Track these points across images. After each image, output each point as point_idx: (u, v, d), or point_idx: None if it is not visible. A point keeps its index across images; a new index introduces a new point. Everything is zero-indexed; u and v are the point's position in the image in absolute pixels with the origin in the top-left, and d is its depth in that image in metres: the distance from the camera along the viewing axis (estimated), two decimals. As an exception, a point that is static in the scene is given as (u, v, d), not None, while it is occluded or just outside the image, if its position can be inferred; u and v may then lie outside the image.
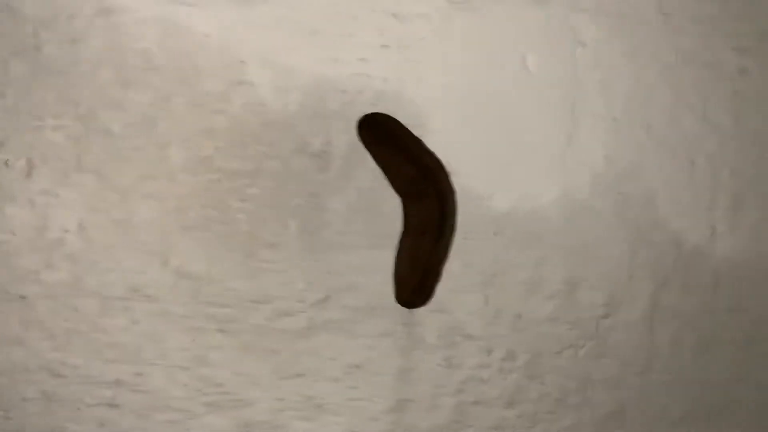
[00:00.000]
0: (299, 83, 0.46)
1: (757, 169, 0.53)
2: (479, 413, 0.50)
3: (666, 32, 0.51)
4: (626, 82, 0.51)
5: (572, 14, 0.50)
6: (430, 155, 0.46)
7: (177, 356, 0.46)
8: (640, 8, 0.51)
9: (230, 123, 0.46)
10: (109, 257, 0.45)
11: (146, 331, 0.46)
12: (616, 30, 0.51)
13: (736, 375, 0.53)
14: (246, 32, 0.46)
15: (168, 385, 0.46)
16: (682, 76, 0.52)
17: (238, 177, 0.46)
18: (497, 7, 0.49)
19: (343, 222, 0.47)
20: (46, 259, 0.44)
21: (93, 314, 0.45)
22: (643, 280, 0.51)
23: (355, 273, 0.48)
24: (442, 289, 0.47)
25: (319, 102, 0.47)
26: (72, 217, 0.44)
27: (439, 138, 0.48)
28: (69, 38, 0.44)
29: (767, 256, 0.53)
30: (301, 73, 0.46)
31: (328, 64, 0.47)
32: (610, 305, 0.51)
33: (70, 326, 0.45)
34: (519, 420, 0.51)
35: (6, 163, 0.44)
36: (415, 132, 0.47)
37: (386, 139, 0.46)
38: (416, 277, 0.45)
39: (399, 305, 0.47)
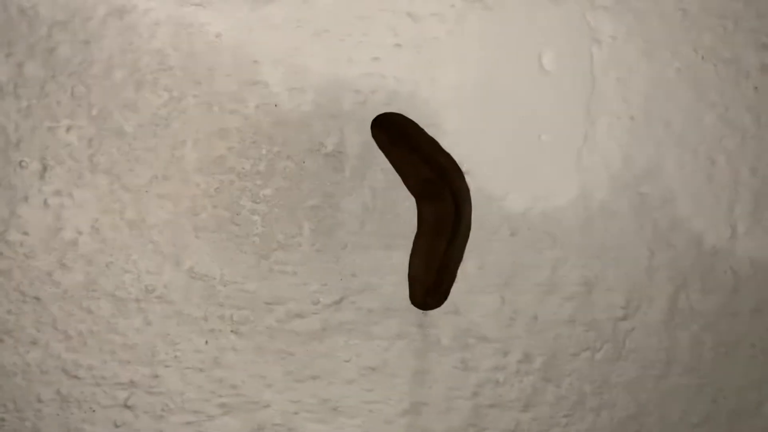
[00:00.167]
0: (312, 83, 0.46)
1: (779, 168, 0.52)
2: (495, 416, 0.50)
3: (685, 29, 0.51)
4: (644, 80, 0.50)
5: (588, 11, 0.50)
6: (445, 155, 0.46)
7: (191, 358, 0.46)
8: (658, 4, 0.50)
9: (243, 123, 0.46)
10: (123, 258, 0.45)
11: (160, 333, 0.46)
12: (633, 27, 0.50)
13: (757, 378, 0.53)
14: (259, 32, 0.46)
15: (182, 387, 0.46)
16: (701, 73, 0.51)
17: (252, 177, 0.46)
18: (512, 5, 0.49)
19: (358, 223, 0.47)
20: (60, 260, 0.45)
21: (107, 315, 0.45)
22: (662, 282, 0.51)
23: (370, 274, 0.47)
24: (457, 290, 0.47)
25: (332, 102, 0.46)
26: (86, 217, 0.45)
27: (453, 138, 0.47)
28: (83, 39, 0.44)
29: (790, 257, 0.52)
30: (315, 73, 0.46)
31: (341, 64, 0.46)
32: (629, 307, 0.51)
33: (84, 327, 0.45)
34: (535, 423, 0.50)
35: (20, 163, 0.44)
36: (430, 132, 0.47)
37: (400, 139, 0.45)
38: (431, 278, 0.45)
39: (414, 306, 0.47)
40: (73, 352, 0.45)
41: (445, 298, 0.46)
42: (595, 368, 0.51)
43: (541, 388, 0.50)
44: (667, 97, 0.51)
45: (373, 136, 0.46)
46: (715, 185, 0.51)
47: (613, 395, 0.51)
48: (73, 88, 0.44)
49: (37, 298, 0.45)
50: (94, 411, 0.45)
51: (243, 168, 0.46)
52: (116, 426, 0.46)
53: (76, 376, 0.45)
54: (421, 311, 0.48)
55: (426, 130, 0.46)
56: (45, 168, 0.44)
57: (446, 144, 0.46)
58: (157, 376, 0.46)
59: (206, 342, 0.46)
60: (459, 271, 0.47)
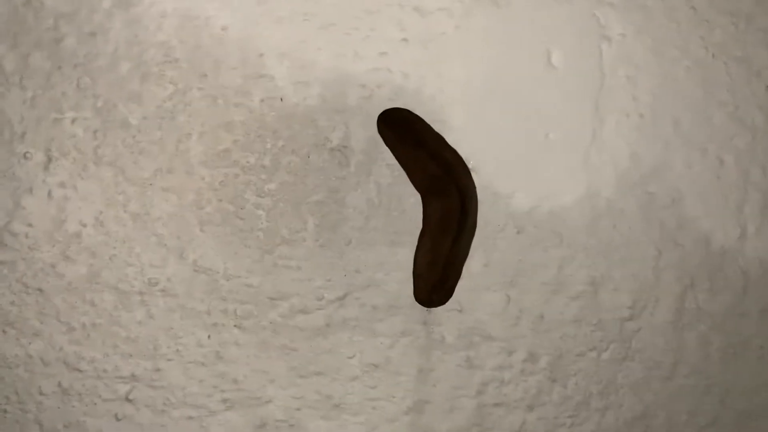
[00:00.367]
0: (318, 77, 0.46)
1: (790, 168, 0.52)
2: (499, 416, 0.49)
3: (695, 26, 0.51)
4: (653, 78, 0.50)
5: (597, 8, 0.49)
6: (451, 151, 0.45)
7: (194, 352, 0.46)
8: (667, 1, 0.50)
9: (248, 117, 0.46)
10: (127, 251, 0.45)
11: (163, 326, 0.46)
12: (642, 24, 0.50)
13: (766, 380, 0.52)
14: (265, 25, 0.45)
15: (184, 381, 0.46)
16: (711, 71, 0.51)
17: (256, 171, 0.46)
18: (520, 2, 0.48)
19: (362, 218, 0.47)
20: (64, 252, 0.44)
21: (110, 308, 0.45)
22: (670, 282, 0.51)
23: (374, 270, 0.47)
24: (462, 288, 0.47)
25: (338, 96, 0.46)
26: (90, 210, 0.44)
27: (460, 134, 0.47)
28: (88, 31, 0.44)
29: (800, 258, 0.51)
30: (321, 67, 0.46)
31: (347, 59, 0.46)
32: (635, 307, 0.50)
33: (87, 320, 0.45)
34: (540, 423, 0.50)
35: (25, 155, 0.44)
36: (436, 128, 0.46)
37: (406, 134, 0.45)
38: (436, 276, 0.45)
39: (418, 304, 0.46)
40: (76, 345, 0.45)
41: (450, 295, 0.46)
42: (601, 368, 0.50)
43: (546, 388, 0.50)
44: (676, 95, 0.50)
45: (379, 131, 0.46)
46: (724, 185, 0.51)
47: (619, 396, 0.51)
48: (79, 79, 0.44)
49: (41, 290, 0.44)
50: (95, 404, 0.45)
51: (248, 162, 0.46)
52: (117, 419, 0.46)
53: (77, 369, 0.45)
54: (426, 309, 0.47)
55: (432, 125, 0.46)
56: (50, 159, 0.44)
57: (452, 140, 0.46)
58: (159, 370, 0.46)
59: (209, 336, 0.46)
60: (464, 269, 0.46)
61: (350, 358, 0.47)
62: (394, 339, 0.48)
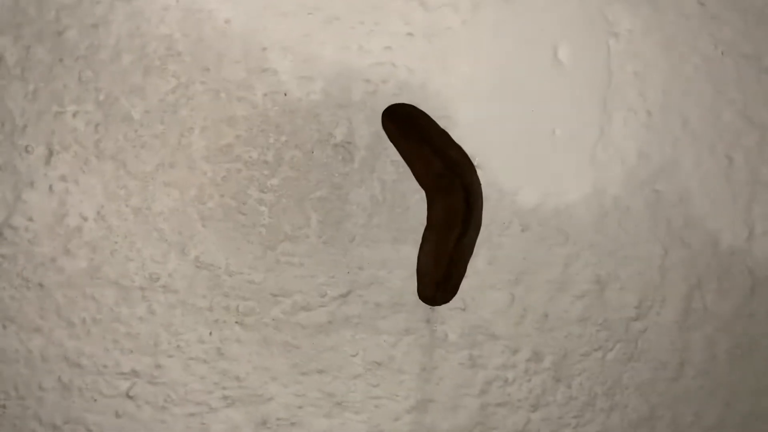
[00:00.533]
0: (322, 72, 0.46)
1: (800, 167, 0.51)
2: (503, 415, 0.49)
3: (704, 22, 0.50)
4: (662, 75, 0.50)
5: (606, 4, 0.49)
6: (456, 148, 0.45)
7: (195, 348, 0.46)
8: None
9: (252, 111, 0.45)
10: (128, 246, 0.45)
11: (164, 322, 0.45)
12: (651, 20, 0.49)
13: (773, 382, 0.52)
14: (268, 19, 0.45)
15: (185, 378, 0.46)
16: (720, 68, 0.50)
17: (259, 167, 0.46)
18: (528, -4, 0.48)
19: (366, 215, 0.47)
20: (65, 246, 0.44)
21: (111, 303, 0.45)
22: (677, 281, 0.50)
23: (378, 267, 0.47)
24: (466, 286, 0.46)
25: (342, 91, 0.46)
26: (91, 204, 0.44)
27: (465, 130, 0.47)
28: (91, 23, 0.44)
29: (809, 258, 0.51)
30: (324, 62, 0.46)
31: (351, 53, 0.46)
32: (642, 307, 0.50)
33: (87, 315, 0.45)
34: (544, 423, 0.50)
35: (26, 148, 0.44)
36: (441, 124, 0.46)
37: (411, 131, 0.45)
38: (440, 273, 0.45)
39: (422, 302, 0.46)
40: (76, 340, 0.45)
41: (454, 293, 0.46)
42: (606, 369, 0.50)
43: (550, 388, 0.49)
44: (684, 92, 0.50)
45: (384, 127, 0.45)
46: (732, 184, 0.51)
47: (625, 396, 0.50)
48: (81, 72, 0.44)
49: (41, 285, 0.44)
50: (95, 400, 0.45)
51: (250, 157, 0.45)
52: (118, 416, 0.45)
53: (78, 365, 0.45)
54: (430, 306, 0.47)
55: (437, 121, 0.46)
56: (51, 153, 0.44)
57: (458, 136, 0.46)
58: (159, 367, 0.46)
59: (210, 333, 0.46)
60: (468, 267, 0.46)
61: (353, 356, 0.47)
62: (397, 337, 0.47)
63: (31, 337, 0.44)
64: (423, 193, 0.46)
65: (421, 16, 0.47)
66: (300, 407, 0.47)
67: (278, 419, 0.47)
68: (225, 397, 0.46)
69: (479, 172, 0.46)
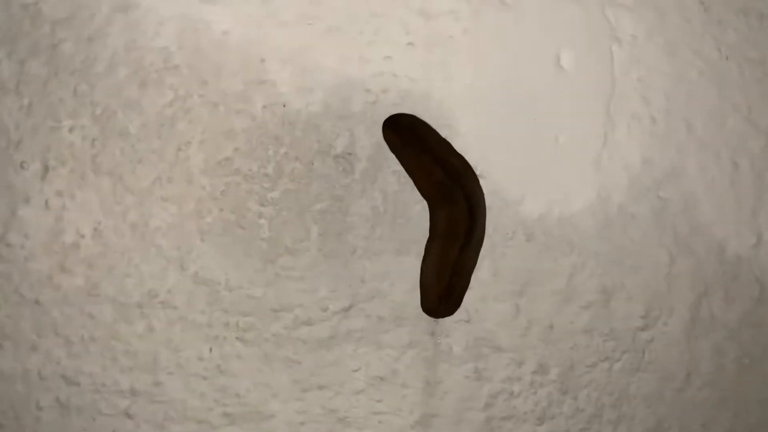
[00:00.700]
0: (322, 82, 0.45)
1: (808, 173, 0.51)
2: (509, 429, 0.49)
3: (708, 27, 0.50)
4: (665, 80, 0.49)
5: (608, 9, 0.48)
6: (458, 157, 0.45)
7: (195, 365, 0.45)
8: (679, 2, 0.49)
9: (250, 124, 0.45)
10: (126, 262, 0.44)
11: (163, 339, 0.45)
12: (654, 25, 0.49)
13: (782, 391, 0.51)
14: (266, 29, 0.45)
15: (185, 395, 0.45)
16: (725, 73, 0.50)
17: (259, 180, 0.45)
18: (529, 3, 0.47)
19: (368, 227, 0.46)
20: (61, 263, 0.44)
21: (109, 321, 0.44)
22: (683, 290, 0.50)
23: (380, 280, 0.46)
24: (470, 297, 0.46)
25: (342, 102, 0.45)
26: (88, 220, 0.44)
27: (467, 139, 0.46)
28: (86, 36, 0.43)
29: (818, 266, 0.51)
30: (324, 72, 0.45)
31: (351, 63, 0.45)
32: (648, 316, 0.50)
33: (85, 333, 0.44)
34: (550, 436, 0.49)
35: (21, 164, 0.43)
36: (443, 133, 0.46)
37: (412, 141, 0.44)
38: (443, 285, 0.44)
39: (425, 314, 0.46)
40: (74, 358, 0.44)
41: (458, 305, 0.45)
42: (613, 380, 0.50)
43: (557, 400, 0.49)
44: (689, 97, 0.50)
45: (385, 137, 0.45)
46: (738, 190, 0.50)
47: (632, 408, 0.50)
48: (76, 86, 0.43)
49: (38, 302, 0.44)
50: (94, 419, 0.45)
51: (250, 170, 0.45)
52: (117, 435, 0.45)
53: (76, 383, 0.44)
54: (433, 319, 0.47)
55: (439, 131, 0.45)
56: (46, 169, 0.43)
57: (460, 145, 0.45)
58: (159, 384, 0.45)
59: (210, 349, 0.45)
60: (472, 278, 0.46)
61: (355, 370, 0.47)
62: (401, 351, 0.47)
63: (27, 356, 0.44)
64: (425, 204, 0.45)
65: (422, 25, 0.46)
66: (302, 424, 0.46)
67: (280, 435, 0.46)
68: (226, 415, 0.46)
69: (482, 182, 0.45)
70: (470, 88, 0.47)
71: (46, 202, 0.43)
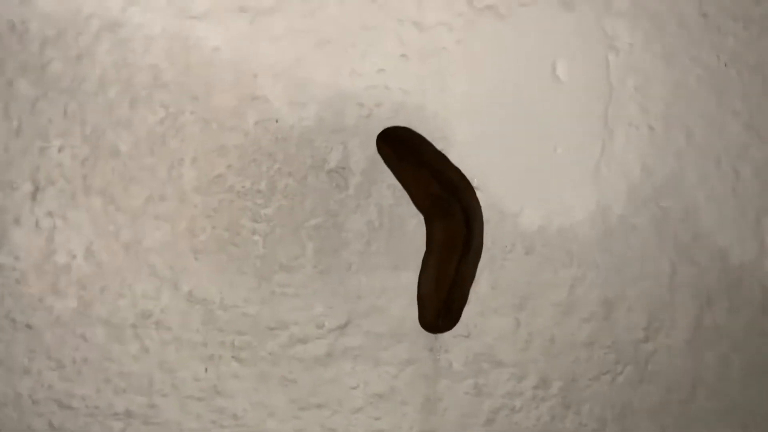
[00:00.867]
0: (315, 97, 0.45)
1: (810, 179, 0.50)
2: (511, 445, 0.48)
3: (706, 33, 0.49)
4: (664, 88, 0.49)
5: (604, 17, 0.48)
6: (454, 170, 0.44)
7: (190, 386, 0.45)
8: (676, 9, 0.49)
9: (243, 140, 0.44)
10: (119, 282, 0.44)
11: (158, 360, 0.44)
12: (651, 33, 0.49)
13: (789, 402, 0.51)
14: (258, 45, 0.44)
15: (181, 417, 0.45)
16: (724, 80, 0.50)
17: (252, 196, 0.45)
18: (523, 13, 0.47)
19: (363, 242, 0.46)
20: (53, 285, 0.43)
21: (102, 342, 0.44)
22: (686, 300, 0.50)
23: (377, 296, 0.46)
24: (469, 312, 0.45)
25: (335, 116, 0.45)
26: (79, 240, 0.43)
27: (463, 152, 0.46)
28: (75, 55, 0.43)
29: (823, 274, 0.50)
30: (317, 86, 0.45)
31: (344, 76, 0.45)
32: (651, 327, 0.49)
33: (78, 355, 0.44)
34: (554, 451, 0.49)
35: (11, 184, 0.43)
36: (438, 145, 0.45)
37: (407, 154, 0.44)
38: (442, 300, 0.43)
39: (424, 330, 0.45)
40: (67, 381, 0.44)
41: (457, 320, 0.45)
42: (616, 393, 0.49)
43: (559, 415, 0.49)
44: (688, 105, 0.49)
45: (379, 151, 0.44)
46: (740, 197, 0.50)
47: (636, 421, 0.49)
48: (66, 105, 0.43)
49: (29, 326, 0.43)
50: (88, 443, 0.44)
51: (243, 186, 0.44)
52: (111, 459, 0.44)
53: (69, 407, 0.44)
54: (432, 335, 0.46)
55: (435, 143, 0.45)
56: (37, 189, 0.43)
57: (456, 158, 0.45)
58: (154, 406, 0.45)
59: (206, 369, 0.45)
60: (471, 292, 0.45)
61: (353, 388, 0.46)
62: (399, 367, 0.47)
63: (19, 380, 0.43)
64: (421, 218, 0.45)
65: (415, 37, 0.46)
66: (300, 443, 0.46)
67: (279, 454, 0.46)
68: (222, 436, 0.45)
69: (479, 194, 0.45)
70: (465, 100, 0.46)
71: (37, 222, 0.43)
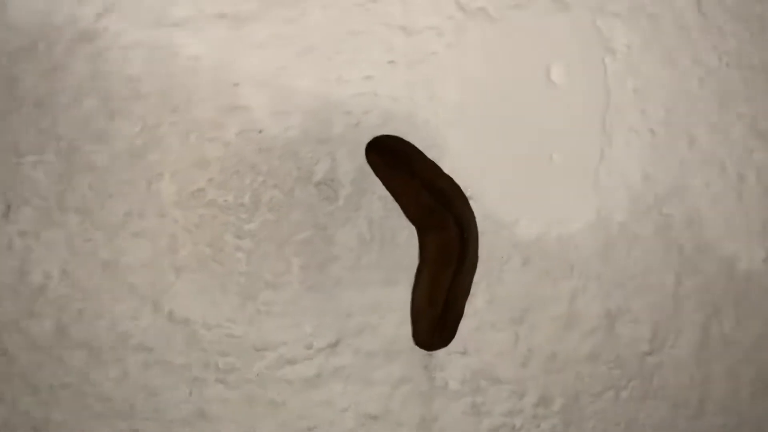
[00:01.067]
0: (299, 105, 0.44)
1: (818, 184, 0.50)
2: (511, 466, 0.47)
3: (707, 34, 0.49)
4: (664, 91, 0.48)
5: (600, 19, 0.47)
6: (447, 180, 0.43)
7: (174, 410, 0.44)
8: (675, 9, 0.48)
9: (224, 152, 0.43)
10: (97, 303, 0.43)
11: (140, 384, 0.43)
12: (649, 34, 0.48)
13: (802, 416, 0.51)
14: (238, 53, 0.43)
15: (165, 443, 0.44)
16: (727, 81, 0.49)
17: (235, 211, 0.44)
18: (516, 15, 0.46)
19: (354, 256, 0.45)
20: (28, 307, 0.42)
21: (81, 366, 0.43)
22: (692, 311, 0.49)
23: (368, 313, 0.45)
24: (465, 327, 0.44)
25: (322, 125, 0.44)
26: (55, 260, 0.42)
27: (456, 160, 0.45)
28: (49, 67, 0.42)
29: (834, 281, 0.50)
30: (301, 95, 0.44)
31: (330, 84, 0.44)
32: (655, 340, 0.49)
33: (55, 380, 0.43)
34: (556, 471, 0.48)
35: (-18, 204, 0.42)
36: (430, 154, 0.44)
37: (398, 163, 0.43)
38: (436, 315, 0.42)
39: (418, 347, 0.43)
40: (44, 407, 0.43)
41: (452, 336, 0.43)
42: (620, 409, 0.49)
43: (561, 433, 0.48)
44: (689, 108, 0.48)
45: (368, 160, 0.43)
46: (746, 203, 0.50)
47: (642, 438, 0.49)
48: (39, 120, 0.42)
49: (4, 350, 0.42)
50: (66, 473, 0.43)
51: (225, 201, 0.43)
52: (91, 489, 0.43)
53: (46, 434, 0.43)
54: (427, 352, 0.46)
55: (426, 152, 0.44)
56: (9, 207, 0.42)
57: (449, 167, 0.43)
58: (136, 431, 0.43)
59: (190, 392, 0.44)
60: (467, 307, 0.43)
61: (344, 410, 0.45)
62: (393, 387, 0.46)
63: (-6, 407, 0.43)
64: (414, 230, 0.44)
65: (403, 42, 0.45)
66: (290, 469, 0.45)
67: (269, 479, 0.45)
68: (208, 462, 0.44)
69: (473, 204, 0.43)
70: (457, 106, 0.46)
71: (10, 242, 0.42)
